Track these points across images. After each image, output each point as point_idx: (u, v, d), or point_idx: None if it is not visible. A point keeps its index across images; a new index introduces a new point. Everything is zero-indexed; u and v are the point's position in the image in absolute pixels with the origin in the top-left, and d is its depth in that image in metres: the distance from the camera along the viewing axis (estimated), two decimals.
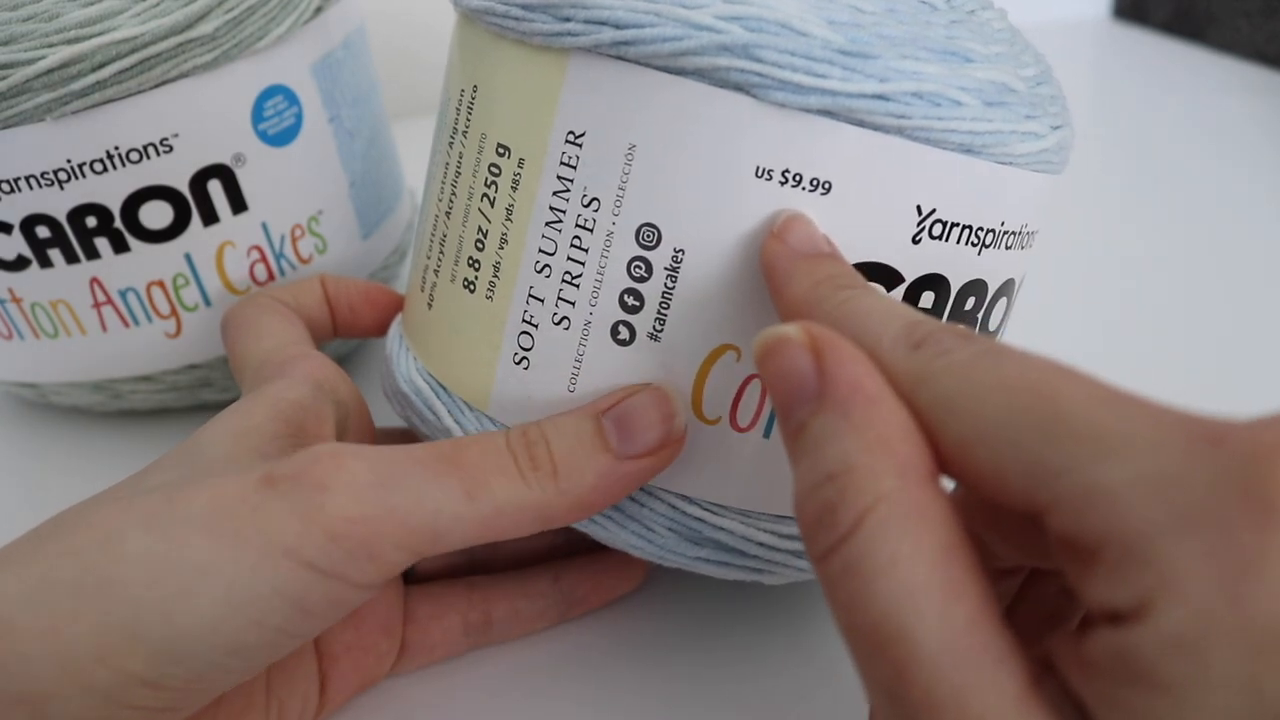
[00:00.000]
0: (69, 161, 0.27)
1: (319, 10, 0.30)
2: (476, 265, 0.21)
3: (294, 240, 0.31)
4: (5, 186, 0.27)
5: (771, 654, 0.25)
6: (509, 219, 0.21)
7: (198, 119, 0.28)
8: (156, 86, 0.27)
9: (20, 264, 0.28)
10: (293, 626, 0.17)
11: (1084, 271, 0.43)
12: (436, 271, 0.23)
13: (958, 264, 0.20)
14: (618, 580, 0.26)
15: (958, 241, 0.20)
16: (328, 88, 0.31)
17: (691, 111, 0.19)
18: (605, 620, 0.26)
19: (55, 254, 0.28)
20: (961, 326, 0.16)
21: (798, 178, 0.19)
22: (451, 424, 0.22)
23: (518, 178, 0.20)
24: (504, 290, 0.21)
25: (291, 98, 0.30)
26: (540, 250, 0.20)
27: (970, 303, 0.21)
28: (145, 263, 0.29)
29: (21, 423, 0.35)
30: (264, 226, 0.30)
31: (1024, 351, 0.15)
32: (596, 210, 0.19)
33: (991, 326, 0.22)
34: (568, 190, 0.20)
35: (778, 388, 0.16)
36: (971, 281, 0.21)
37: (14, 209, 0.27)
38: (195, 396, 0.33)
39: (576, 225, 0.20)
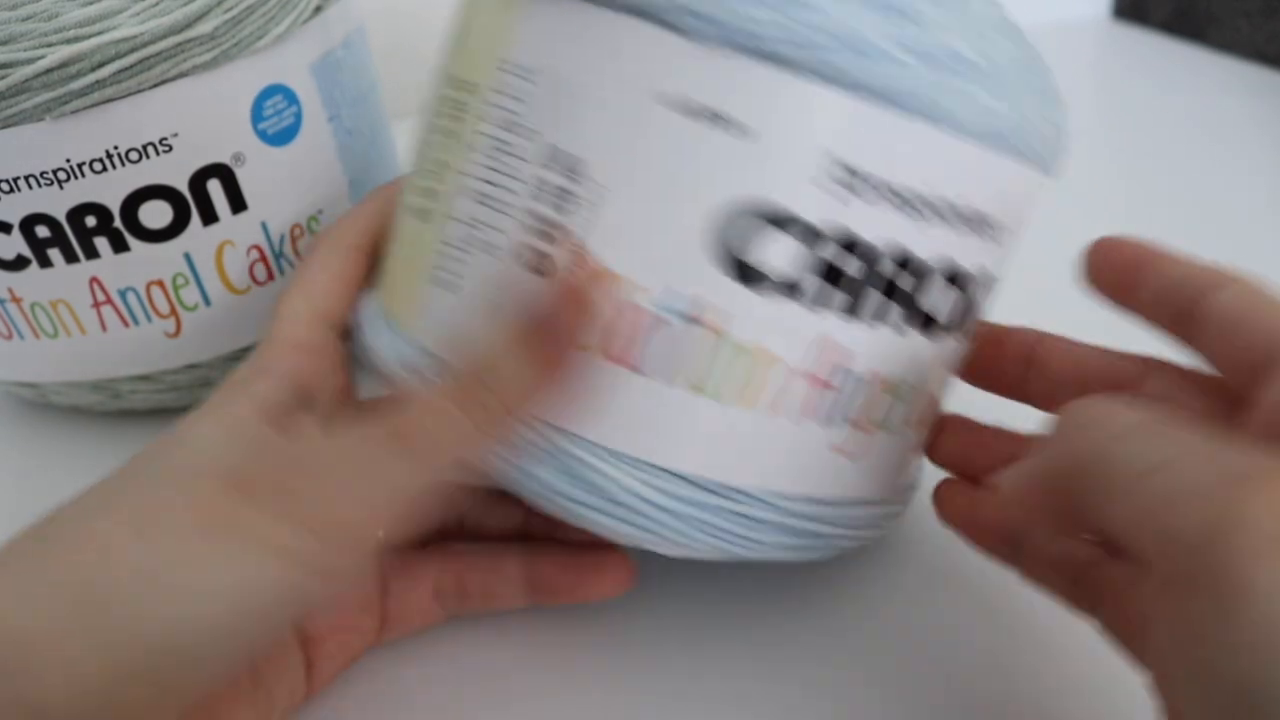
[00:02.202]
0: (68, 161, 0.27)
1: (318, 9, 0.30)
2: (429, 195, 0.22)
3: (294, 240, 0.31)
4: (5, 186, 0.27)
5: (772, 655, 0.25)
6: (454, 148, 0.21)
7: (197, 118, 0.28)
8: (156, 86, 0.27)
9: (20, 264, 0.28)
10: (286, 616, 0.18)
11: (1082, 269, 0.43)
12: (405, 208, 0.24)
13: (878, 226, 0.20)
14: (595, 582, 0.25)
15: (878, 200, 0.20)
16: (327, 87, 0.31)
17: (617, 46, 0.19)
18: (604, 620, 0.26)
19: (55, 254, 0.28)
20: None
21: (715, 115, 0.19)
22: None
23: (466, 107, 0.21)
24: (441, 215, 0.21)
25: (291, 97, 0.30)
26: (477, 178, 0.21)
27: (898, 274, 0.20)
28: (145, 262, 0.29)
29: (21, 423, 0.35)
30: (264, 226, 0.30)
31: None
32: (530, 140, 0.20)
33: (937, 314, 0.22)
34: (508, 120, 0.20)
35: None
36: (898, 249, 0.20)
37: (13, 209, 0.27)
38: (195, 396, 0.33)
39: (511, 155, 0.20)
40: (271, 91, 0.29)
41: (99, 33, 0.25)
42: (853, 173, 0.19)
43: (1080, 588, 0.22)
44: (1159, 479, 0.15)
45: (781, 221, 0.19)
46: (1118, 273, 0.22)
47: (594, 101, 0.19)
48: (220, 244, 0.30)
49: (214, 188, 0.29)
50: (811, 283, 0.20)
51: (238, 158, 0.29)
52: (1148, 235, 0.48)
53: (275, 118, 0.29)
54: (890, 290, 0.20)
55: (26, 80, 0.25)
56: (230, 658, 0.18)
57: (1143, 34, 0.75)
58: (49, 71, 0.25)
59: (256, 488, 0.18)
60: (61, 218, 0.27)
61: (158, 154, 0.27)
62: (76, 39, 0.25)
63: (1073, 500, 0.17)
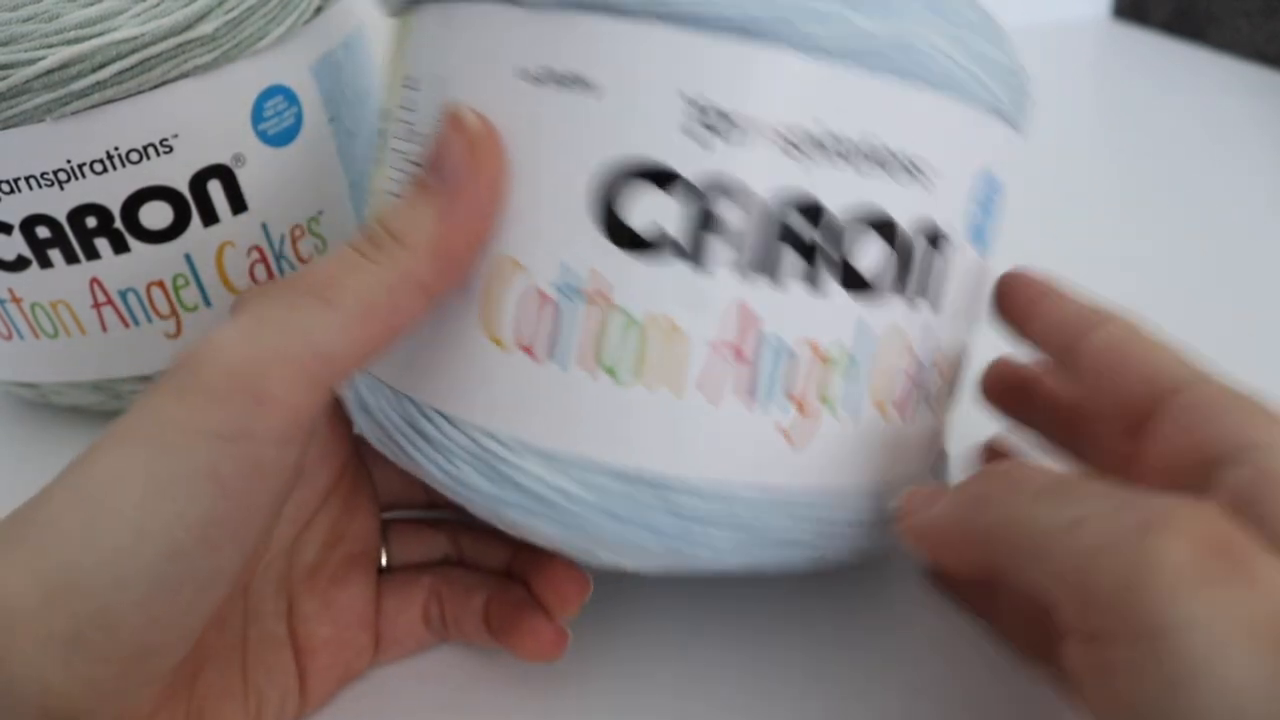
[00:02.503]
0: (69, 162, 0.27)
1: (319, 10, 0.30)
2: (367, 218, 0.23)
3: (294, 240, 0.31)
4: (5, 187, 0.27)
5: (765, 663, 0.25)
6: (378, 173, 0.22)
7: (197, 119, 0.28)
8: (156, 87, 0.27)
9: (20, 264, 0.28)
10: (217, 511, 0.17)
11: (1084, 271, 0.43)
12: None
13: (760, 170, 0.18)
14: (521, 638, 0.23)
15: (753, 143, 0.18)
16: (328, 88, 0.31)
17: (475, 34, 0.19)
18: (598, 626, 0.26)
19: (55, 254, 0.28)
20: None
21: (568, 79, 0.18)
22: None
23: (386, 133, 0.22)
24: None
25: (291, 98, 0.30)
26: (389, 191, 0.21)
27: (795, 222, 0.19)
28: (145, 263, 0.29)
29: (21, 423, 0.35)
30: (264, 227, 0.30)
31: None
32: (422, 144, 0.20)
33: (862, 268, 0.20)
34: (408, 131, 0.21)
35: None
36: (790, 194, 0.19)
37: (14, 209, 0.27)
38: None
39: (412, 162, 0.21)
40: (272, 92, 0.29)
41: (100, 34, 0.25)
42: (719, 114, 0.18)
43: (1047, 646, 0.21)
44: (1073, 537, 0.16)
45: (655, 177, 0.18)
46: (1017, 305, 0.23)
47: (466, 92, 0.19)
48: (221, 245, 0.30)
49: (214, 188, 0.29)
50: (696, 239, 0.19)
51: (238, 158, 0.29)
52: (1148, 235, 0.48)
53: (276, 118, 0.29)
54: (790, 241, 0.19)
55: (27, 81, 0.25)
56: (171, 567, 0.17)
57: (1143, 34, 0.75)
58: (50, 72, 0.25)
59: (187, 379, 0.17)
60: (62, 218, 0.27)
61: (158, 155, 0.27)
62: (77, 40, 0.25)
63: (995, 561, 0.17)
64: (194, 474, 0.17)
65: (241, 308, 0.18)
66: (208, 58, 0.27)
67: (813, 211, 0.19)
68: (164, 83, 0.27)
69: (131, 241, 0.28)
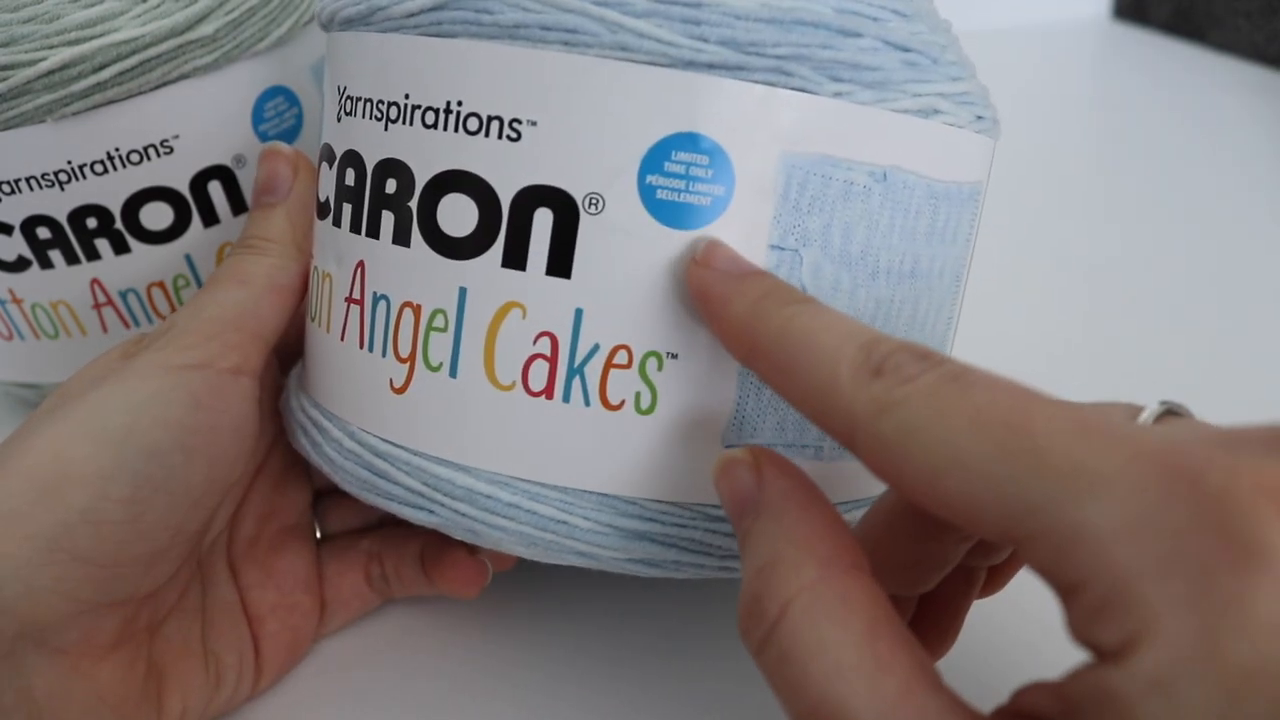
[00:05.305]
0: (69, 163, 0.27)
1: None
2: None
3: None
4: (6, 188, 0.27)
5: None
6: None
7: (198, 120, 0.28)
8: (157, 88, 0.27)
9: (21, 265, 0.28)
10: (192, 420, 0.21)
11: (1083, 270, 0.43)
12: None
13: (365, 139, 0.21)
14: (444, 576, 0.26)
15: (360, 118, 0.21)
16: None
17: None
18: (592, 627, 0.26)
19: (56, 255, 0.28)
20: (919, 346, 0.15)
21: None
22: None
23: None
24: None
25: (292, 99, 0.30)
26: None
27: (393, 186, 0.21)
28: (146, 264, 0.29)
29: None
30: None
31: (987, 374, 0.15)
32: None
33: (447, 228, 0.20)
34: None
35: (729, 503, 0.18)
36: (387, 159, 0.21)
37: (15, 210, 0.27)
38: None
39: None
40: (273, 93, 0.29)
41: (100, 35, 0.25)
42: (349, 98, 0.22)
43: None
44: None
45: (327, 156, 0.23)
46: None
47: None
48: (221, 245, 0.30)
49: (215, 189, 0.29)
50: (337, 203, 0.22)
51: (239, 159, 0.29)
52: (1147, 234, 0.48)
53: (276, 119, 0.29)
54: (386, 204, 0.21)
55: (28, 82, 0.25)
56: (152, 466, 0.20)
57: (1143, 34, 0.75)
58: (50, 74, 0.25)
59: (156, 341, 0.22)
60: (63, 219, 0.28)
61: (159, 156, 0.27)
62: (78, 41, 0.25)
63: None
64: (172, 389, 0.21)
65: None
66: (208, 59, 0.27)
67: (405, 175, 0.20)
68: (164, 84, 0.27)
69: (132, 242, 0.28)
